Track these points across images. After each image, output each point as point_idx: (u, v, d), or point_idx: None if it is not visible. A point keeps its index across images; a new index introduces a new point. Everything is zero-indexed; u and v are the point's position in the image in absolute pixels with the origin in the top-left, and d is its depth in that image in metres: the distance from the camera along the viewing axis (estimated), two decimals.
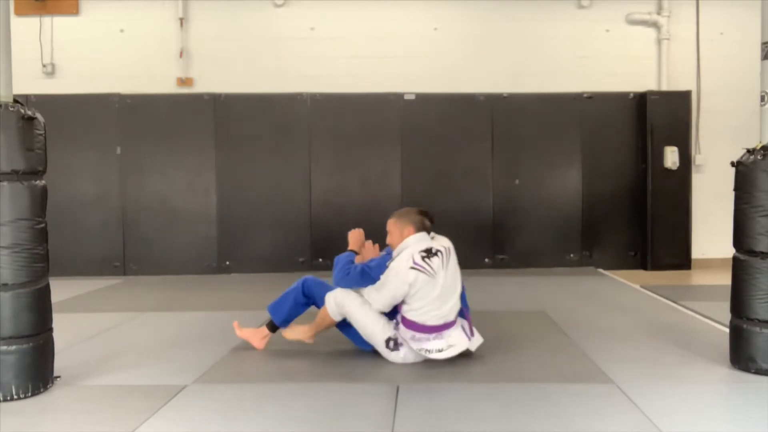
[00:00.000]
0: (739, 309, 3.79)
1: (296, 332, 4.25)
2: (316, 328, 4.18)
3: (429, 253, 3.86)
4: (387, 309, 3.95)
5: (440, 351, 3.88)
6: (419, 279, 3.80)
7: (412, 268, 3.80)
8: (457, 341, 3.93)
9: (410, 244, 3.92)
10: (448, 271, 3.91)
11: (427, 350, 3.88)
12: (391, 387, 3.57)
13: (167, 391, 3.54)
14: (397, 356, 3.97)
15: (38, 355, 3.46)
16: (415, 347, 3.88)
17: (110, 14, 8.23)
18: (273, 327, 4.37)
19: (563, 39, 8.35)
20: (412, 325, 3.89)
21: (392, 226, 4.03)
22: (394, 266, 3.87)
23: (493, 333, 4.51)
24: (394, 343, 3.95)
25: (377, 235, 4.35)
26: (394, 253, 3.98)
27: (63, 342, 4.11)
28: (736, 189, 3.83)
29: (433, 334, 3.88)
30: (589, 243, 8.25)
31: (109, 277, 7.80)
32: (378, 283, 3.93)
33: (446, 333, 3.91)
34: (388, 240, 4.07)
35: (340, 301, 3.99)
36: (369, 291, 3.94)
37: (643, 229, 8.22)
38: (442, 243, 4.00)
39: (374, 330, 3.97)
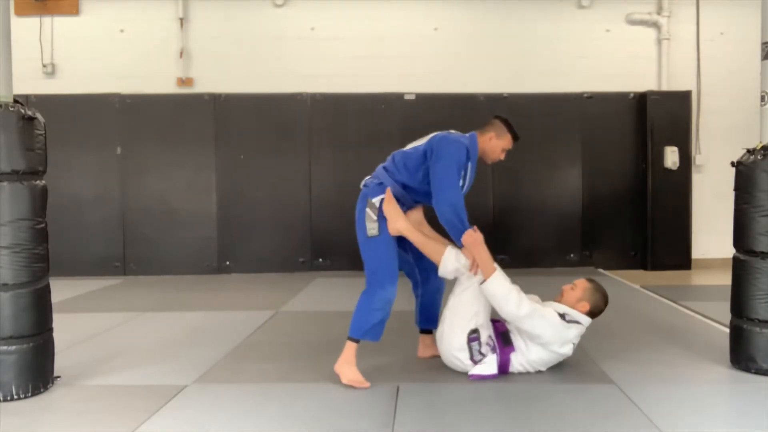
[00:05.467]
0: (739, 309, 3.79)
1: None
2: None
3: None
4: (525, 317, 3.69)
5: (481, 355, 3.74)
6: (568, 352, 3.82)
7: (573, 344, 3.82)
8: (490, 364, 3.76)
9: (582, 322, 3.84)
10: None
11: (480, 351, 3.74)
12: (391, 387, 3.58)
13: (167, 391, 3.54)
14: (465, 351, 3.71)
15: (38, 355, 3.47)
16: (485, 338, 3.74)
17: (110, 14, 8.23)
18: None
19: (563, 39, 8.35)
20: (507, 344, 3.76)
21: (581, 289, 3.96)
22: (569, 332, 3.78)
23: None
24: (476, 337, 3.70)
25: None
26: (563, 309, 3.85)
27: (63, 342, 4.12)
28: (736, 189, 3.83)
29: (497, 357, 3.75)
30: (589, 243, 8.25)
31: (109, 277, 7.80)
32: (544, 317, 3.75)
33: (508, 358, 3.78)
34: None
35: (464, 263, 3.76)
36: (536, 306, 3.77)
37: (643, 229, 8.21)
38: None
39: (467, 313, 3.72)
